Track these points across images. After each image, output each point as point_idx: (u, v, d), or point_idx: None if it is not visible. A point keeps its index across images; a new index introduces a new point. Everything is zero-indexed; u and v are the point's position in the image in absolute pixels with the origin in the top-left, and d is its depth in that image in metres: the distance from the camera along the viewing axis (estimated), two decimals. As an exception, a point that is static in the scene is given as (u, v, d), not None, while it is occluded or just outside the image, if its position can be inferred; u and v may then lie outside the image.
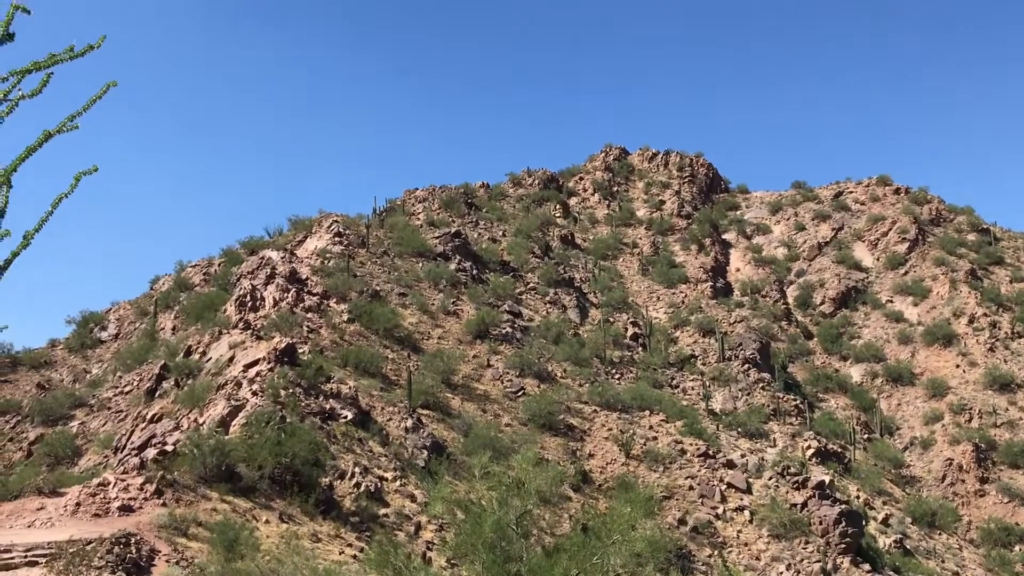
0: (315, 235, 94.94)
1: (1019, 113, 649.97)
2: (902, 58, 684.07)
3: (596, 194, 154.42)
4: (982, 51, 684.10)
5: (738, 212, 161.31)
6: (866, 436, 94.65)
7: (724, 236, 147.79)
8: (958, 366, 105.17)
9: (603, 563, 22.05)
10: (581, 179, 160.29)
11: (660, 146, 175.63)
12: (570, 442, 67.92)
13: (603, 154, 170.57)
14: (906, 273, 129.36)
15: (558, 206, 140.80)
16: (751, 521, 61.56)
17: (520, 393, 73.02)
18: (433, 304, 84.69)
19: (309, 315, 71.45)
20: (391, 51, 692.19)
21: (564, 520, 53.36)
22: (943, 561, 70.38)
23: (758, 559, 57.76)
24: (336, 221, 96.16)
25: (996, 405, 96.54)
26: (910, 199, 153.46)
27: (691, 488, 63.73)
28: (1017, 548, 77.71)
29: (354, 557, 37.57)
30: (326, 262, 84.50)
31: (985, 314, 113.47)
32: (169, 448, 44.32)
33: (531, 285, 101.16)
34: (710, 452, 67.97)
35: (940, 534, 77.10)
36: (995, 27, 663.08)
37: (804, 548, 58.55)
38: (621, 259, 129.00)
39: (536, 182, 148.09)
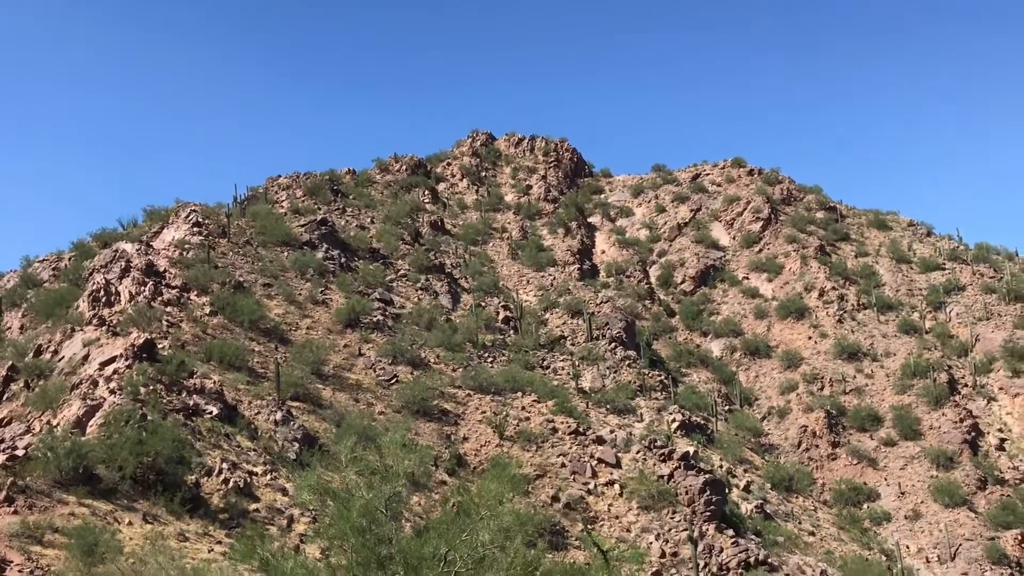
0: (172, 226, 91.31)
1: (862, 94, 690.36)
2: (753, 43, 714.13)
3: (464, 179, 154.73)
4: (829, 37, 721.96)
5: (602, 196, 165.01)
6: (727, 408, 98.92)
7: (589, 219, 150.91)
8: (810, 338, 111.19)
9: (472, 539, 22.36)
10: (449, 164, 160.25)
11: (526, 131, 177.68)
12: (445, 427, 68.19)
13: (470, 139, 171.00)
14: (760, 251, 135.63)
15: (427, 192, 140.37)
16: (621, 494, 63.46)
17: (393, 381, 72.69)
18: (300, 294, 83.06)
19: (168, 309, 68.80)
20: (251, 37, 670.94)
21: (440, 504, 53.57)
22: (800, 523, 74.53)
23: (628, 531, 59.63)
24: (194, 211, 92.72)
25: (845, 373, 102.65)
26: (763, 180, 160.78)
27: (563, 465, 65.11)
28: (865, 506, 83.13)
29: (223, 554, 36.63)
30: (185, 253, 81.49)
31: (834, 288, 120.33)
32: (20, 452, 41.87)
33: (402, 272, 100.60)
34: (580, 429, 69.56)
35: (797, 497, 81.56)
36: (840, 12, 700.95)
37: (672, 518, 60.80)
38: (491, 244, 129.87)
39: (404, 168, 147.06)
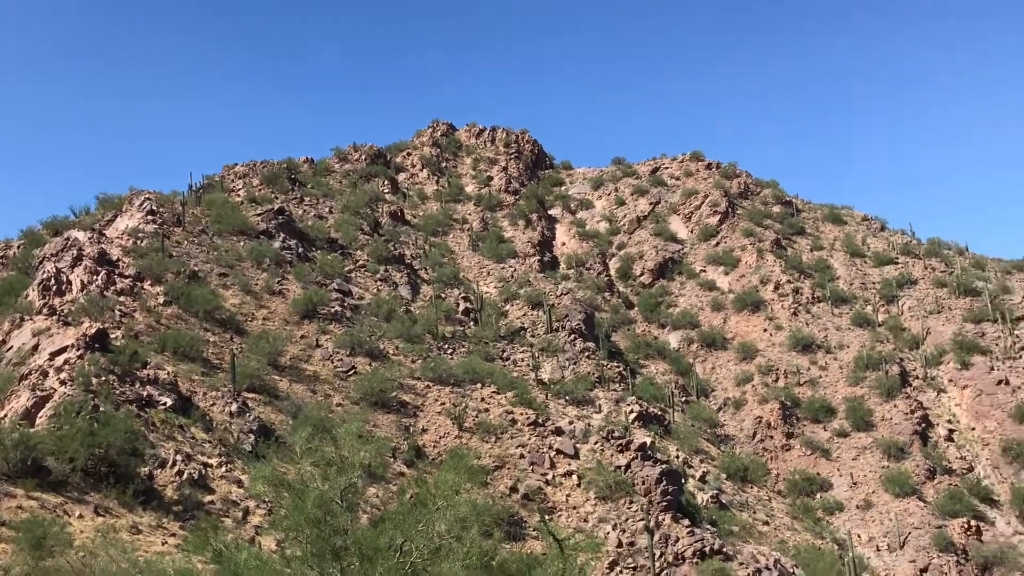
0: (126, 214, 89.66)
1: (819, 90, 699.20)
2: (712, 38, 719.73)
3: (425, 170, 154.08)
4: (785, 31, 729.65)
5: (563, 188, 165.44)
6: (684, 399, 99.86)
7: (550, 211, 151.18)
8: (765, 330, 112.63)
9: (428, 529, 22.33)
10: (409, 155, 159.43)
11: (486, 122, 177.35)
12: (403, 418, 67.96)
13: (430, 130, 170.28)
14: (718, 244, 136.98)
15: (386, 182, 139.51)
16: (579, 485, 63.77)
17: (351, 372, 72.22)
18: (257, 284, 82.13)
19: (121, 298, 67.63)
20: (211, 23, 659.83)
21: (397, 496, 53.41)
22: (755, 512, 75.54)
23: (586, 521, 59.97)
24: (148, 199, 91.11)
25: (799, 365, 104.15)
26: (721, 174, 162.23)
27: (522, 456, 65.25)
28: (818, 496, 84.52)
29: (177, 547, 36.15)
30: (139, 242, 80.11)
31: (789, 281, 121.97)
32: (-35, 445, 40.88)
33: (361, 262, 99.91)
34: (540, 420, 69.75)
35: (752, 487, 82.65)
36: (797, 6, 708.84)
37: (628, 508, 61.22)
38: (451, 235, 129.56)
39: (363, 157, 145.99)
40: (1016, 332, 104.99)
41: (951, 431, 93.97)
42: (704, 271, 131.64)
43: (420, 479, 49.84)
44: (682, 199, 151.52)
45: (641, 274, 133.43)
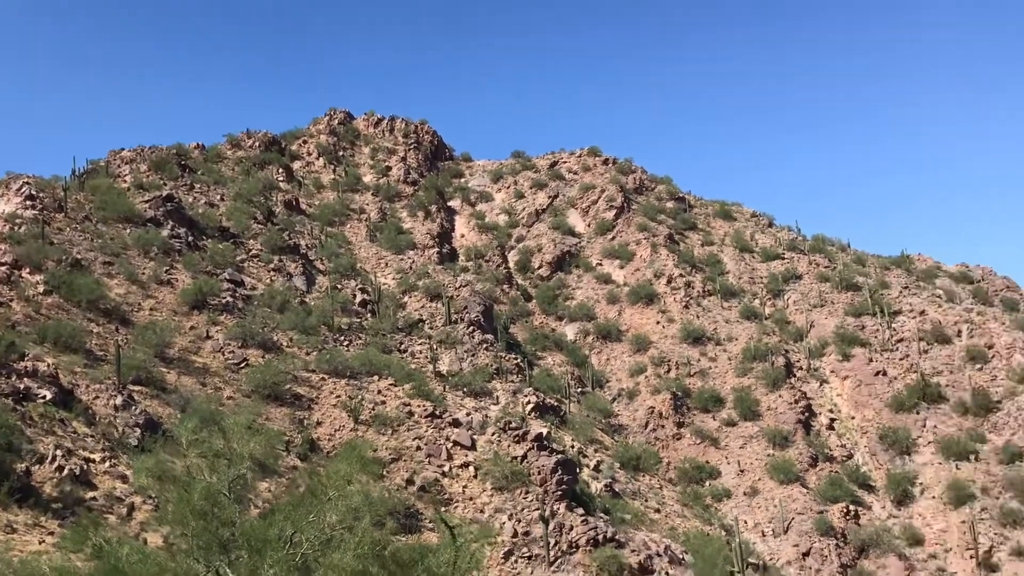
0: (2, 199, 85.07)
1: (711, 88, 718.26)
2: (609, 38, 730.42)
3: (321, 158, 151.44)
4: (680, 31, 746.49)
5: (462, 180, 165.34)
6: (580, 390, 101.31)
7: (450, 203, 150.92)
8: (658, 322, 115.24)
9: (320, 520, 22.01)
10: (305, 143, 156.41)
11: (385, 112, 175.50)
12: (297, 411, 66.77)
13: (327, 118, 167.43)
14: (613, 238, 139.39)
15: (281, 170, 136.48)
16: (476, 476, 64.00)
17: (243, 364, 70.50)
18: (144, 273, 79.20)
19: (-3, 287, 64.17)
20: (95, 4, 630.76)
21: (288, 488, 52.47)
22: (646, 500, 77.28)
23: (482, 511, 60.23)
24: (28, 183, 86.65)
25: (690, 356, 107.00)
26: (617, 169, 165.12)
27: (419, 448, 65.04)
28: (707, 483, 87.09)
29: (55, 545, 34.58)
30: (16, 228, 76.20)
31: (681, 275, 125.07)
32: None
33: (253, 252, 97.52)
34: (437, 412, 69.64)
35: (644, 476, 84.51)
36: (688, 9, 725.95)
37: (524, 498, 61.78)
38: (348, 225, 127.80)
39: (257, 144, 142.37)
40: (893, 325, 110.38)
41: (832, 420, 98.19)
42: (600, 264, 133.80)
43: (311, 470, 49.09)
44: (580, 193, 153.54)
45: (539, 267, 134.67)
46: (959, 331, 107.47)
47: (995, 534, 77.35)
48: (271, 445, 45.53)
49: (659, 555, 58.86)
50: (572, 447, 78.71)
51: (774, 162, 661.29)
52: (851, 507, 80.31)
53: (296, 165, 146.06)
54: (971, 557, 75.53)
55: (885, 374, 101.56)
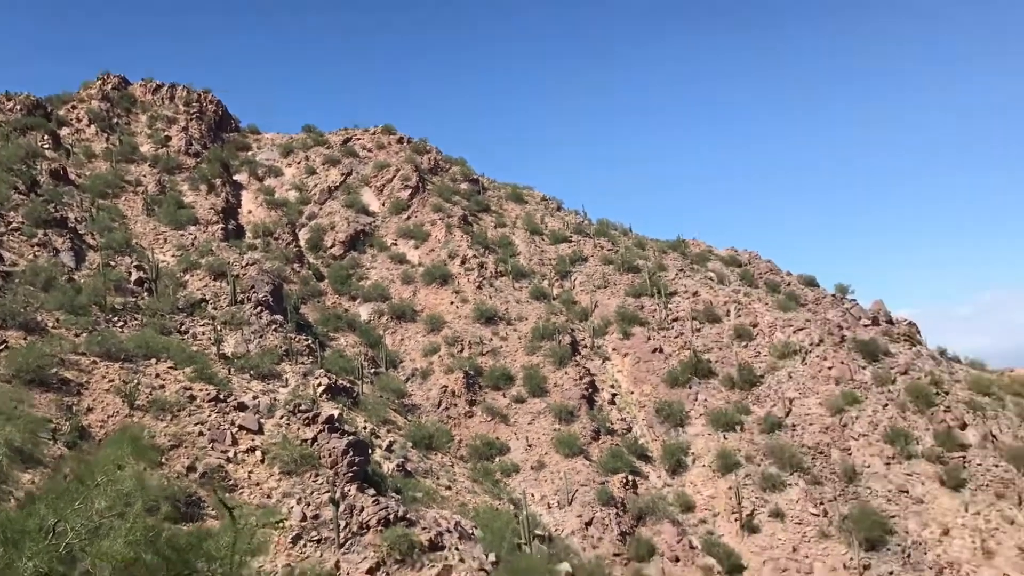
0: None
1: (505, 73, 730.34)
2: (404, 18, 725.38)
3: (92, 126, 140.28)
4: (472, 15, 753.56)
5: (250, 153, 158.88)
6: (373, 371, 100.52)
7: (235, 177, 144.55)
8: (452, 303, 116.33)
9: (87, 508, 20.38)
10: (75, 108, 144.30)
11: (164, 79, 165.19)
12: (65, 397, 61.69)
13: (100, 82, 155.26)
14: (408, 218, 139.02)
15: (47, 136, 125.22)
16: (263, 461, 61.91)
17: (2, 348, 64.30)
18: None
19: None
20: None
21: (51, 476, 48.57)
22: (438, 478, 77.97)
23: (270, 497, 58.40)
24: None
25: (483, 336, 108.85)
26: (412, 148, 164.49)
27: (201, 434, 62.04)
28: (497, 459, 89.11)
29: None
30: None
31: (475, 256, 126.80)
32: None
33: (14, 225, 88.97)
34: (221, 396, 66.69)
35: (436, 454, 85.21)
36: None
37: (314, 481, 60.52)
38: (123, 198, 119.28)
39: (18, 108, 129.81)
40: (669, 305, 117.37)
41: (614, 395, 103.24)
42: (395, 244, 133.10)
43: (78, 457, 45.61)
44: (374, 172, 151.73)
45: (332, 246, 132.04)
46: (728, 311, 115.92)
47: (757, 498, 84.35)
48: (33, 433, 41.83)
49: (449, 531, 59.54)
50: (365, 428, 77.98)
51: (562, 148, 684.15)
52: (630, 477, 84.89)
53: (64, 132, 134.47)
54: (736, 520, 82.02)
55: (661, 351, 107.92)
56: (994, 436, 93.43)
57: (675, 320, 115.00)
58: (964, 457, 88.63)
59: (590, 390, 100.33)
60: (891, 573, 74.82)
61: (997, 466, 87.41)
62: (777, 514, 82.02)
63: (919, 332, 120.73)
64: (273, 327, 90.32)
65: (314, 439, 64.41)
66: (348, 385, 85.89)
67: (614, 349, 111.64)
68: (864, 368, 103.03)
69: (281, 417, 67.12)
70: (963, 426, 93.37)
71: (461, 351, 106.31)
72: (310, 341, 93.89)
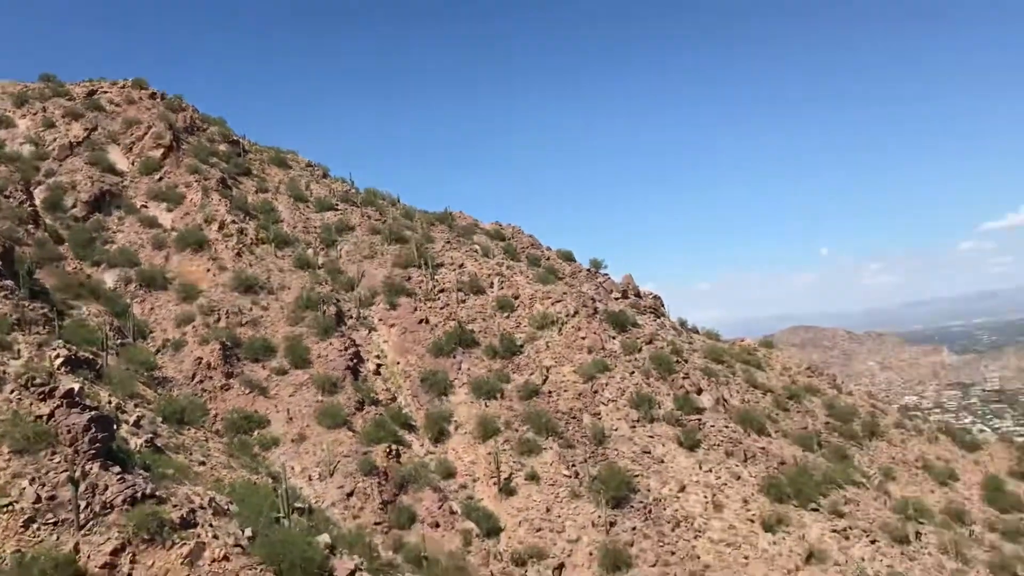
0: None
1: (267, 36, 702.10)
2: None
3: None
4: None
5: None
6: (119, 341, 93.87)
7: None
8: (209, 270, 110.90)
9: None
10: None
11: None
12: None
13: None
14: (161, 179, 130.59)
15: None
16: (-11, 440, 56.26)
17: None
18: None
19: None
20: None
21: None
22: (191, 454, 74.33)
23: (-3, 479, 53.27)
24: None
25: (242, 306, 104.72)
26: (166, 105, 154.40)
27: (-87, 412, 55.35)
28: (256, 433, 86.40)
29: None
30: None
31: (234, 221, 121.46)
32: None
33: None
34: (-62, 369, 59.79)
35: (189, 429, 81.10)
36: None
37: (51, 460, 55.82)
38: None
39: None
40: (436, 277, 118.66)
41: (379, 366, 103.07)
42: (146, 207, 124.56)
43: None
44: (123, 128, 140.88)
45: (74, 206, 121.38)
46: (492, 283, 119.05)
47: (514, 462, 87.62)
48: None
49: (203, 507, 57.13)
50: (110, 403, 72.73)
51: (330, 115, 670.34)
52: (393, 447, 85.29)
53: None
54: (494, 484, 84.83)
55: (428, 322, 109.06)
56: (725, 400, 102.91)
57: (441, 291, 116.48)
58: (700, 420, 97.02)
59: (355, 361, 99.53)
60: (634, 528, 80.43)
61: (727, 427, 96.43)
62: (533, 477, 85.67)
63: (663, 305, 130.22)
64: (3, 294, 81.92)
65: (51, 415, 59.28)
66: (91, 357, 79.65)
67: (380, 320, 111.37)
68: (614, 338, 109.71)
69: (12, 392, 61.19)
70: (699, 391, 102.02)
71: (218, 321, 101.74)
72: (46, 309, 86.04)
